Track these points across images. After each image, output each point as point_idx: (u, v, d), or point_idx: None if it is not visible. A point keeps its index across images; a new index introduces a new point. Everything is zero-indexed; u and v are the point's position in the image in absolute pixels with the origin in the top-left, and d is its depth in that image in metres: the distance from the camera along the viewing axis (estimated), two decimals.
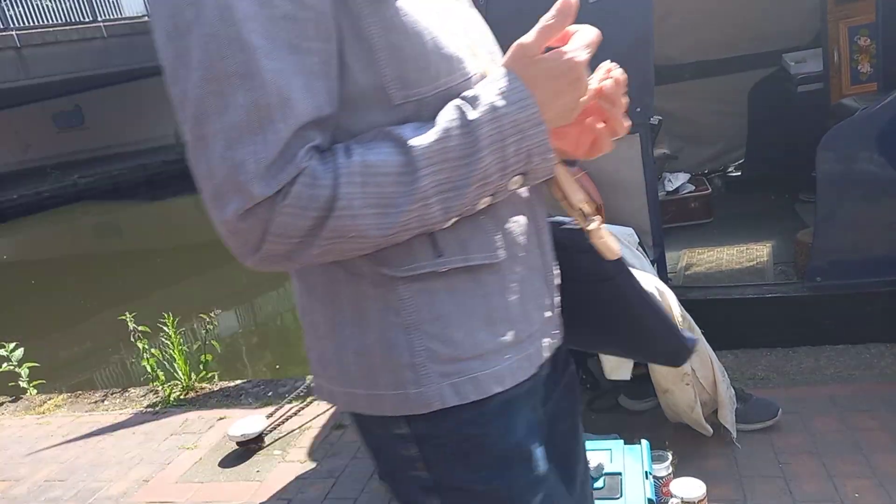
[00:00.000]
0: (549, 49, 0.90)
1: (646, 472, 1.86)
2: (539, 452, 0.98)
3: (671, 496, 1.97)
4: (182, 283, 9.50)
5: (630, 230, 2.76)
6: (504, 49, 0.95)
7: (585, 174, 3.21)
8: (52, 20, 17.19)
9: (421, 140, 0.80)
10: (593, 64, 0.90)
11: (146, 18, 18.85)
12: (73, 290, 10.05)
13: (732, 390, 2.47)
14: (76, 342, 7.68)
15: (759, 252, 3.91)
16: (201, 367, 4.04)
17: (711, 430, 2.43)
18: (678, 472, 2.11)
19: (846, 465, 2.25)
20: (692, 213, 4.56)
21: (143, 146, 21.89)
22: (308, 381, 3.66)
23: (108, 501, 2.85)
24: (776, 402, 2.53)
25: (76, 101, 23.10)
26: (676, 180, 4.70)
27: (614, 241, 0.99)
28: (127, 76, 20.02)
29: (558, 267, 1.05)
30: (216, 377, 4.15)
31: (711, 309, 3.26)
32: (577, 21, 3.03)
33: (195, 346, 4.19)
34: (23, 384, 4.35)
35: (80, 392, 4.28)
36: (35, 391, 4.39)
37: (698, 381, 2.34)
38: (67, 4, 17.51)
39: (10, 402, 4.27)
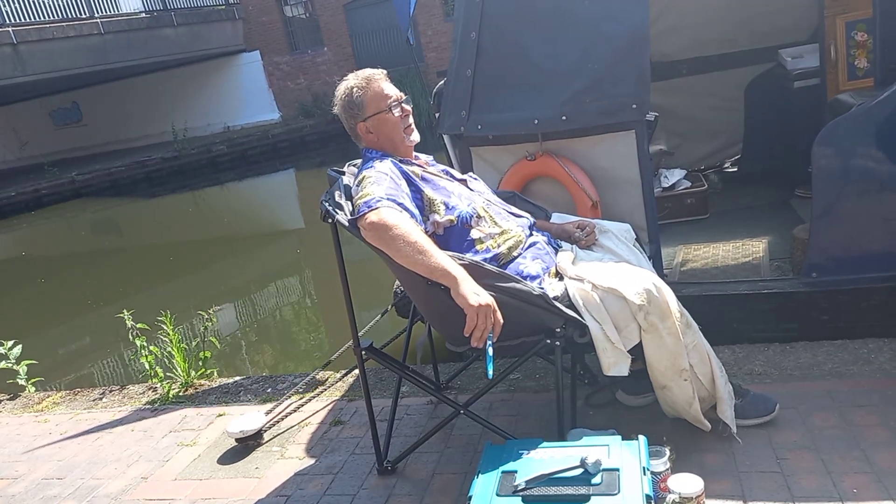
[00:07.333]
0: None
1: (643, 468, 1.86)
2: None
3: (669, 492, 1.97)
4: (180, 279, 9.50)
5: (627, 226, 2.76)
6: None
7: (582, 171, 3.22)
8: (49, 16, 17.11)
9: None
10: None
11: (143, 15, 18.87)
12: (72, 287, 10.04)
13: (730, 385, 2.47)
14: (74, 339, 7.68)
15: (755, 248, 3.92)
16: (200, 363, 4.04)
17: (710, 426, 2.44)
18: (676, 467, 2.12)
19: (844, 461, 2.25)
20: (688, 209, 4.57)
21: (142, 143, 21.91)
22: (307, 378, 3.67)
23: (106, 499, 2.85)
24: (774, 397, 2.53)
25: (74, 98, 23.09)
26: (673, 176, 4.71)
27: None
28: (124, 73, 20.02)
29: None
30: (215, 374, 4.15)
31: (708, 305, 3.27)
32: (574, 17, 3.10)
33: (194, 343, 4.19)
34: (21, 381, 4.35)
35: (78, 389, 4.27)
36: (33, 388, 4.40)
37: (696, 376, 2.35)
38: (64, 1, 17.45)
39: (7, 399, 4.27)
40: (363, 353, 2.55)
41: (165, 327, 4.05)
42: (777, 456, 2.33)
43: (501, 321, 2.10)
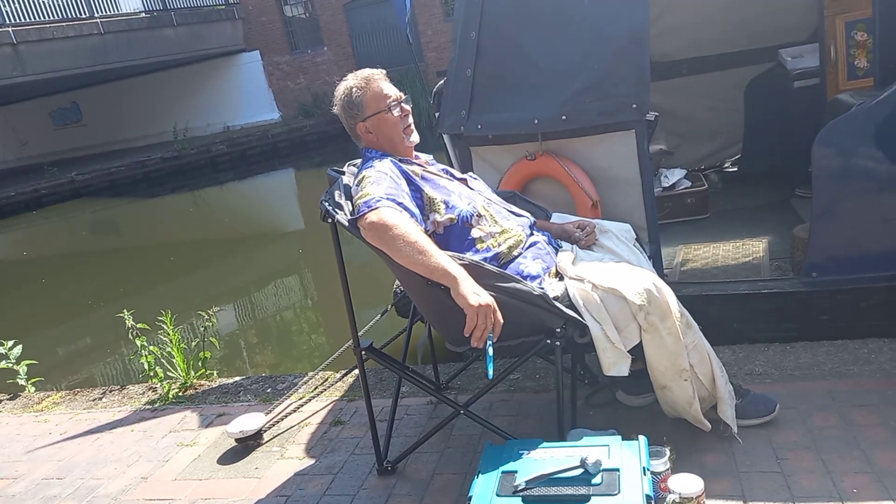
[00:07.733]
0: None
1: (643, 468, 1.86)
2: None
3: (669, 492, 1.97)
4: (180, 279, 9.49)
5: (627, 226, 2.76)
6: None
7: (583, 171, 3.22)
8: (49, 16, 17.11)
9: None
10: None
11: (143, 15, 18.87)
12: (72, 287, 10.04)
13: (731, 386, 2.47)
14: (74, 339, 7.68)
15: (755, 248, 3.91)
16: (200, 364, 4.04)
17: (710, 426, 2.43)
18: (676, 467, 2.12)
19: (844, 461, 2.25)
20: (688, 208, 4.56)
21: (141, 143, 21.90)
22: (307, 378, 3.66)
23: (106, 499, 2.85)
24: (774, 397, 2.53)
25: (73, 98, 23.08)
26: (673, 176, 4.71)
27: None
28: (124, 73, 20.01)
29: None
30: (215, 374, 4.15)
31: (708, 305, 3.27)
32: (574, 17, 3.11)
33: (194, 343, 4.19)
34: (21, 382, 4.35)
35: (78, 389, 4.27)
36: (33, 389, 4.39)
37: (697, 376, 2.35)
38: (64, 1, 17.45)
39: (7, 399, 4.27)
40: (363, 353, 2.55)
41: (165, 327, 4.05)
42: (777, 456, 2.33)
43: (501, 321, 2.10)
